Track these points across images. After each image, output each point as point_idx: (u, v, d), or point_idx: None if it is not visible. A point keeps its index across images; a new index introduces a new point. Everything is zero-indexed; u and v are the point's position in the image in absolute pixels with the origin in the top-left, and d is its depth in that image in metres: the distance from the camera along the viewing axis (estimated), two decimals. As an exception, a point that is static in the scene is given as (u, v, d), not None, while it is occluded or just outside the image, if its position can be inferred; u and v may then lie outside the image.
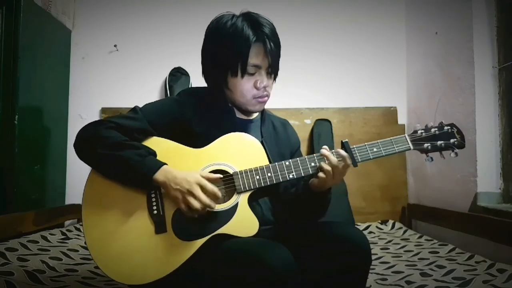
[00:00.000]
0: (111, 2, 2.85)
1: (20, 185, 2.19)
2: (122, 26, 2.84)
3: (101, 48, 2.83)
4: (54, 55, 2.62)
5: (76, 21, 2.83)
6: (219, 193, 1.11)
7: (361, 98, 2.86)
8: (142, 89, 2.79)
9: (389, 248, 2.08)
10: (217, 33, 1.23)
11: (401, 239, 2.27)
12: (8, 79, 2.13)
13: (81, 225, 2.43)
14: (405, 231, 2.44)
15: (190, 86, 2.75)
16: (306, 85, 2.81)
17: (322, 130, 2.74)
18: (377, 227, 2.56)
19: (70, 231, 2.25)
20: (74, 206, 2.56)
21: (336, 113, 2.82)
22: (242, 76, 1.20)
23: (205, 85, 1.34)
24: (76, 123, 2.75)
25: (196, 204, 1.07)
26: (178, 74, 2.75)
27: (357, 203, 2.68)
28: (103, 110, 2.75)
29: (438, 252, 1.91)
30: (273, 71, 1.24)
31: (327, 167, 1.13)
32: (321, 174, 1.14)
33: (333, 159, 1.13)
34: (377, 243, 2.21)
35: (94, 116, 2.77)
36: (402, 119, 2.86)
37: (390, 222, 2.61)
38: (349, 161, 1.14)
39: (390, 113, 2.85)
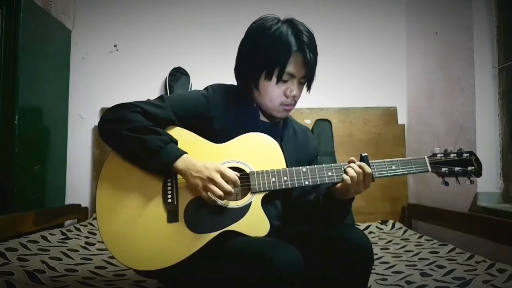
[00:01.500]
0: (111, 2, 2.85)
1: (20, 185, 2.19)
2: (122, 26, 2.84)
3: (101, 48, 2.83)
4: (54, 55, 2.62)
5: (76, 21, 2.84)
6: (238, 181, 1.11)
7: (361, 98, 2.86)
8: (142, 89, 2.79)
9: (389, 248, 2.08)
10: (260, 34, 1.23)
11: (401, 239, 2.27)
12: (8, 79, 2.13)
13: (82, 225, 2.44)
14: (405, 231, 2.44)
15: (190, 86, 2.75)
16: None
17: (322, 130, 2.74)
18: (377, 227, 2.56)
19: (70, 231, 2.25)
20: (74, 206, 2.56)
21: (336, 113, 2.82)
22: (277, 82, 1.21)
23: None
24: (76, 123, 2.75)
25: (216, 190, 1.08)
26: (178, 74, 2.76)
27: (357, 203, 2.66)
28: (103, 110, 2.75)
29: (438, 252, 1.91)
30: (307, 81, 1.27)
31: (352, 172, 1.12)
32: (345, 177, 1.13)
33: (356, 168, 1.13)
34: (377, 243, 2.20)
35: (94, 116, 2.78)
36: (402, 119, 2.86)
37: (390, 222, 2.61)
38: (367, 170, 1.13)
39: (390, 113, 2.85)
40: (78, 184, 2.70)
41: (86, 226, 2.38)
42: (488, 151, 2.08)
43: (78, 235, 2.21)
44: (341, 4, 2.91)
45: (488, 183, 2.08)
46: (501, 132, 2.09)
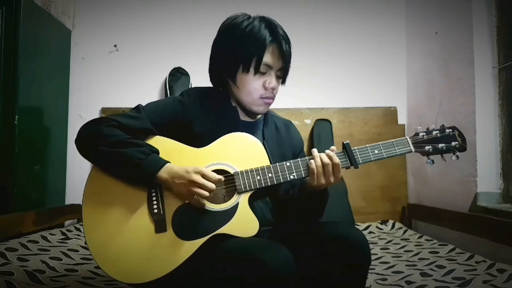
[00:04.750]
0: (111, 2, 2.85)
1: (20, 185, 2.19)
2: (122, 26, 2.84)
3: (101, 48, 2.83)
4: (54, 55, 2.62)
5: (76, 21, 2.84)
6: (221, 177, 1.10)
7: (361, 98, 2.86)
8: (142, 89, 2.79)
9: (389, 248, 2.08)
10: (233, 29, 1.23)
11: (401, 239, 2.27)
12: (8, 79, 2.13)
13: (81, 224, 2.44)
14: (405, 231, 2.44)
15: (190, 86, 2.75)
16: (306, 85, 2.81)
17: (322, 130, 2.74)
18: (377, 227, 2.56)
19: (70, 231, 2.25)
20: (74, 206, 2.56)
21: (336, 113, 2.82)
22: (255, 74, 1.21)
23: (204, 85, 1.34)
24: (76, 123, 2.75)
25: (200, 191, 1.07)
26: (178, 74, 2.76)
27: (357, 203, 2.68)
28: (103, 110, 2.76)
29: (438, 252, 1.91)
30: (283, 74, 1.26)
31: (312, 165, 1.12)
32: (311, 166, 1.13)
33: (318, 161, 1.12)
34: (377, 243, 2.20)
35: (94, 116, 2.77)
36: (402, 119, 2.86)
37: (390, 222, 2.61)
38: (336, 160, 1.12)
39: (390, 113, 2.85)
40: (78, 184, 2.68)
41: (86, 226, 2.38)
42: (488, 151, 2.08)
43: (78, 235, 2.21)
44: (341, 4, 2.91)
45: (488, 183, 2.08)
46: (501, 132, 2.09)
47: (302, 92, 2.80)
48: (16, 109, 2.14)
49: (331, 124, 2.75)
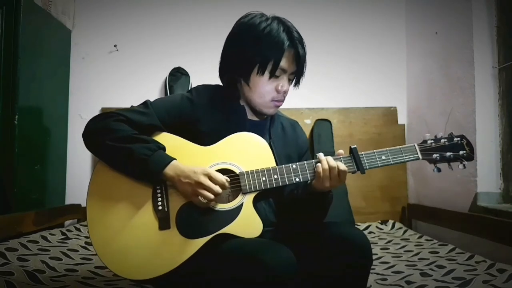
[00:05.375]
0: (111, 2, 2.85)
1: (20, 185, 2.19)
2: (122, 26, 2.85)
3: (101, 48, 2.83)
4: (54, 55, 2.62)
5: (76, 21, 2.84)
6: (226, 182, 1.11)
7: (361, 98, 2.86)
8: (142, 89, 2.79)
9: (389, 248, 2.08)
10: (250, 29, 1.22)
11: (401, 239, 2.27)
12: (8, 79, 2.13)
13: (82, 224, 2.44)
14: (405, 231, 2.44)
15: (190, 86, 2.75)
16: (306, 85, 2.79)
17: (322, 130, 2.74)
18: (377, 227, 2.56)
19: (70, 231, 2.25)
20: (74, 206, 2.56)
21: (336, 113, 2.82)
22: (270, 78, 1.21)
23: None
24: (76, 123, 2.75)
25: (206, 193, 1.07)
26: (178, 74, 2.76)
27: (357, 203, 2.68)
28: (103, 110, 2.75)
29: (438, 252, 1.91)
30: (295, 77, 1.26)
31: (318, 169, 1.13)
32: (318, 170, 1.13)
33: (324, 164, 1.13)
34: (377, 243, 2.21)
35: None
36: (402, 119, 2.86)
37: (390, 222, 2.61)
38: (332, 164, 1.13)
39: (390, 113, 2.85)
40: (78, 184, 2.70)
41: (86, 226, 2.37)
42: (488, 151, 2.08)
43: (78, 235, 2.21)
44: (341, 4, 2.91)
45: (488, 183, 2.08)
46: (501, 132, 2.09)
47: (302, 92, 2.78)
48: (16, 109, 2.14)
49: (331, 124, 2.75)
